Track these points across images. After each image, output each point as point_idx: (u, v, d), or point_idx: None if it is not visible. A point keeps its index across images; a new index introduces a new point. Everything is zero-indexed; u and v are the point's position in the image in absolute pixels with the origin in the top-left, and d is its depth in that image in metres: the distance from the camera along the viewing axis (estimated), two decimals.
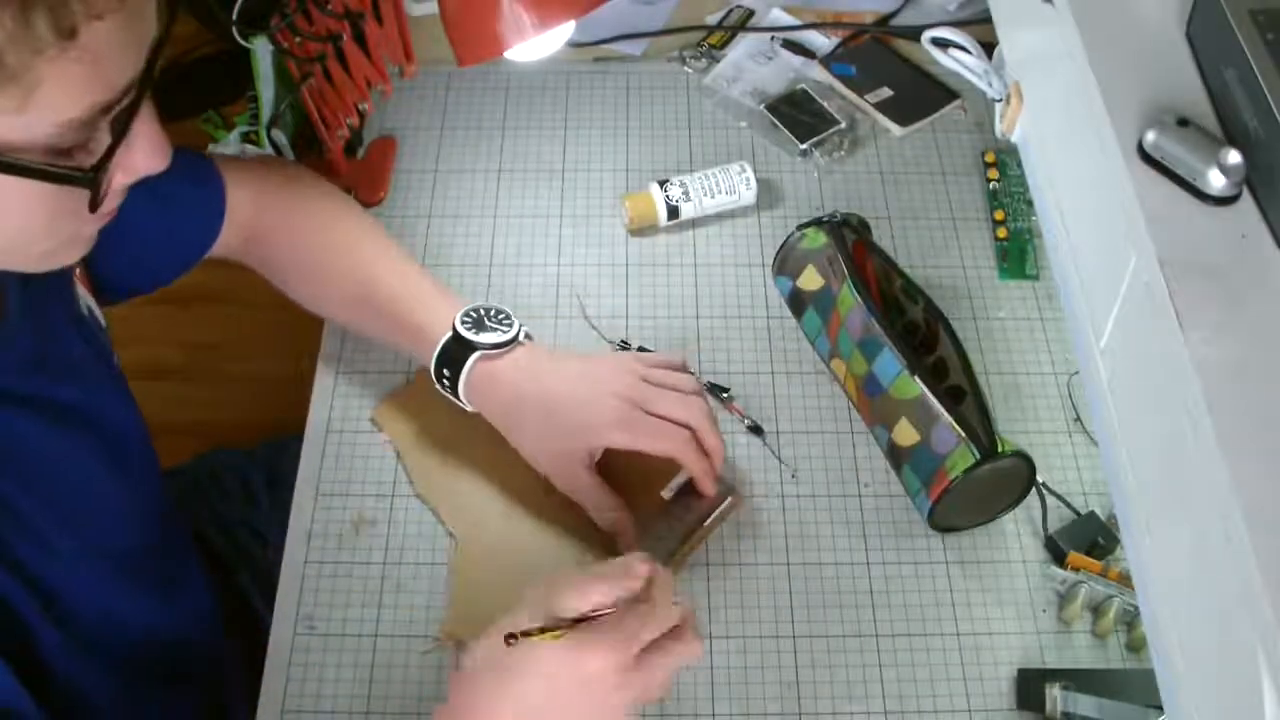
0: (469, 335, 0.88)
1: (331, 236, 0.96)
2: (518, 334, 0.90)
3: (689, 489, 0.91)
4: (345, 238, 0.96)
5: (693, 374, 0.93)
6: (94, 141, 0.60)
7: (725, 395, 0.98)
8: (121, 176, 0.63)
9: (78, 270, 0.82)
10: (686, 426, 0.87)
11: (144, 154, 0.63)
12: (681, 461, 0.88)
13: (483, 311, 0.90)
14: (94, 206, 0.62)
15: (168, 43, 0.61)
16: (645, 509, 0.90)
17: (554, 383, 0.89)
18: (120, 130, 0.60)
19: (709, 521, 0.91)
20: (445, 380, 0.90)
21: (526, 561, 0.89)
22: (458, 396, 0.90)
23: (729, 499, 0.91)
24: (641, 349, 1.01)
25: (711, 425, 0.89)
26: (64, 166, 0.59)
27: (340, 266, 0.94)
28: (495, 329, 0.89)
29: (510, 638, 0.67)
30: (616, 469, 0.89)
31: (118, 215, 0.68)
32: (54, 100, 0.55)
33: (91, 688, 0.79)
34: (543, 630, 0.68)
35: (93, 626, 0.80)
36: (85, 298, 0.83)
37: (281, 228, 0.96)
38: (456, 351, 0.88)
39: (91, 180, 0.60)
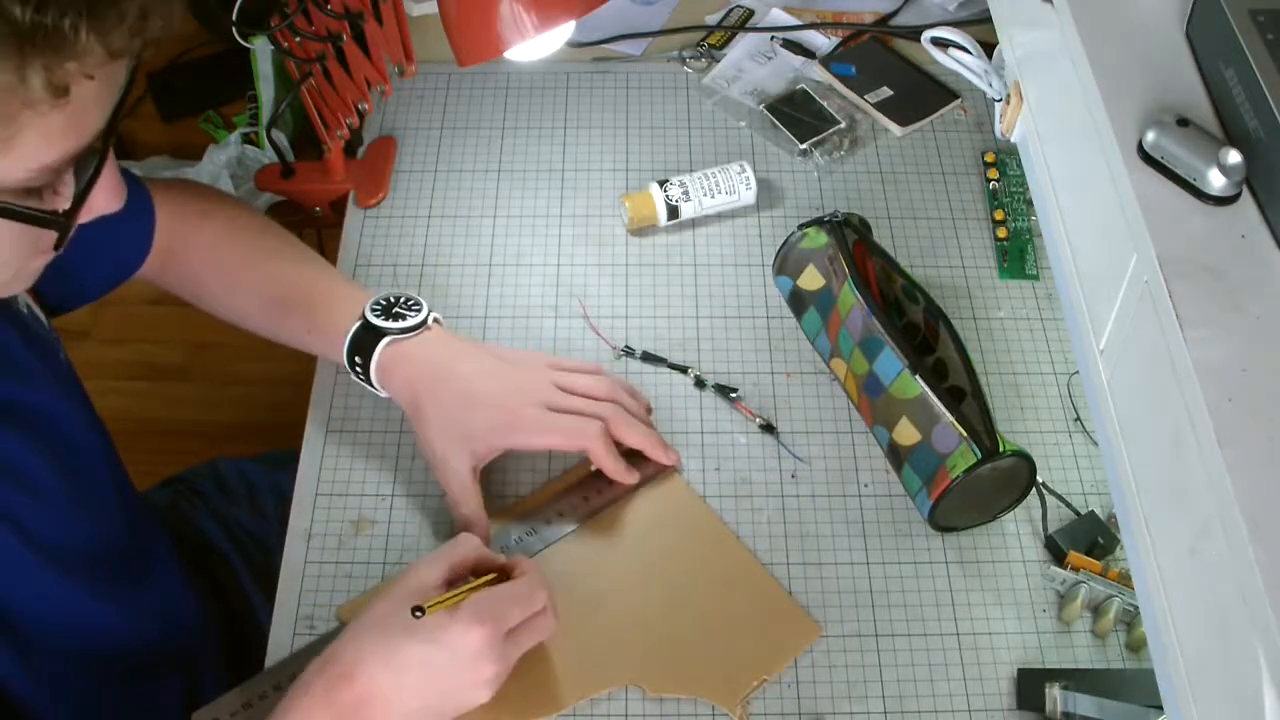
0: (378, 322, 0.90)
1: (242, 247, 0.98)
2: (426, 318, 0.92)
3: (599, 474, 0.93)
4: (255, 247, 0.98)
5: (607, 376, 0.95)
6: (60, 183, 0.63)
7: (734, 395, 0.98)
8: (82, 216, 0.66)
9: None
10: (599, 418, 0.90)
11: (104, 195, 0.66)
12: (593, 456, 0.90)
13: (393, 299, 0.92)
14: (59, 245, 0.66)
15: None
16: (538, 497, 0.93)
17: (470, 371, 0.91)
18: (91, 175, 0.64)
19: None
20: (357, 368, 0.92)
21: None
22: (370, 383, 0.92)
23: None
24: (646, 355, 1.01)
25: (625, 418, 0.91)
26: (35, 209, 0.62)
27: (253, 275, 0.97)
28: (405, 314, 0.91)
29: (417, 610, 0.74)
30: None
31: None
32: (34, 147, 0.59)
33: (29, 695, 0.79)
34: (440, 601, 0.76)
35: (37, 630, 0.79)
36: (22, 295, 0.83)
37: (194, 244, 0.97)
38: (366, 339, 0.90)
39: (64, 224, 0.64)
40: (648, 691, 0.83)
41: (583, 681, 0.84)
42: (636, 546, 0.91)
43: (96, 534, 0.86)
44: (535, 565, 0.82)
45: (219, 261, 0.97)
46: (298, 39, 0.98)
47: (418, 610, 0.74)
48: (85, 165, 0.63)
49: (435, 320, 0.93)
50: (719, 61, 1.23)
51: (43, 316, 0.85)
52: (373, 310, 0.91)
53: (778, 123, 1.17)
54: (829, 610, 0.88)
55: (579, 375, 0.93)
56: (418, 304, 0.93)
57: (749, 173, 1.09)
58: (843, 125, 1.17)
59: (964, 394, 0.90)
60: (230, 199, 1.04)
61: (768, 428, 0.97)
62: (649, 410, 0.96)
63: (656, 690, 0.83)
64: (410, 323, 0.91)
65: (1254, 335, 0.57)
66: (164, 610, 0.93)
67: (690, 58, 1.24)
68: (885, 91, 1.19)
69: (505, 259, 1.08)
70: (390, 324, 0.90)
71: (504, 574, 0.81)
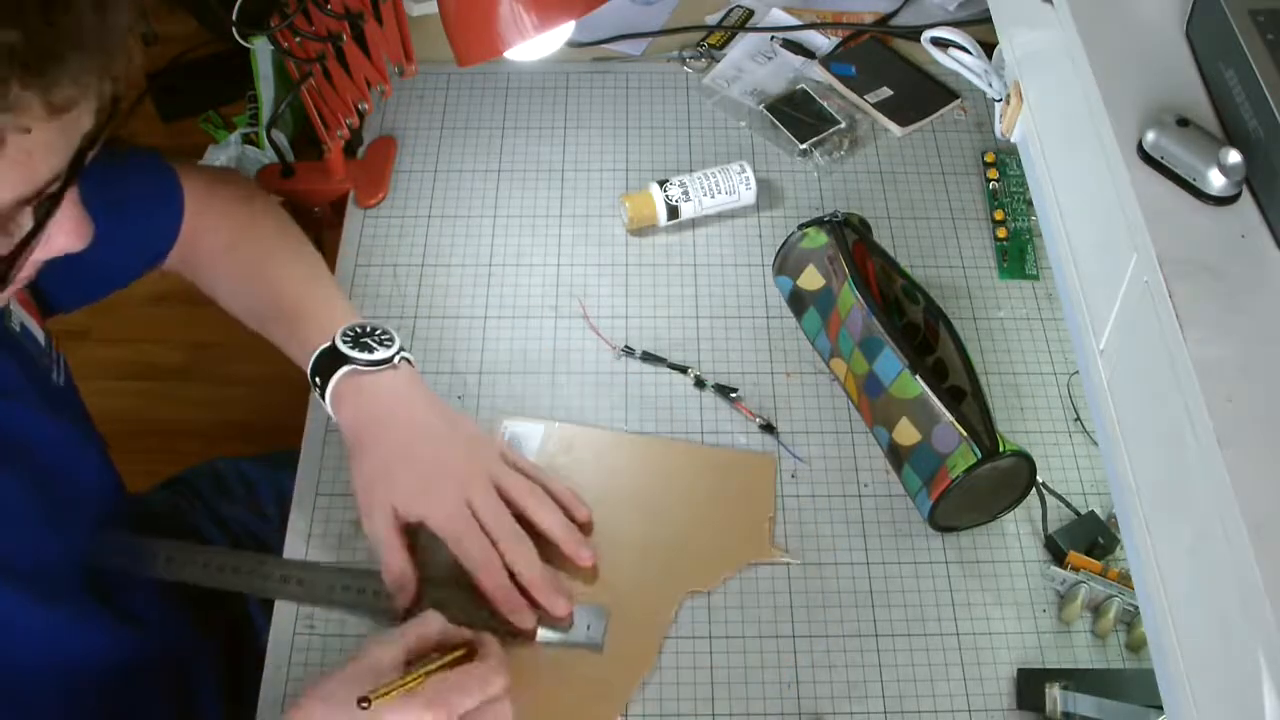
0: (344, 349, 0.88)
1: (251, 259, 0.97)
2: (393, 355, 0.89)
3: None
4: (265, 259, 0.98)
5: (550, 491, 0.89)
6: (14, 224, 0.62)
7: (734, 395, 0.98)
8: (40, 254, 0.65)
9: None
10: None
11: (64, 235, 0.65)
12: (482, 587, 0.84)
13: (368, 329, 0.91)
14: (3, 286, 0.64)
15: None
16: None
17: (416, 425, 0.88)
18: (42, 219, 0.62)
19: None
20: (317, 388, 0.90)
21: None
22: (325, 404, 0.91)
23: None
24: (646, 354, 1.01)
25: (526, 559, 0.84)
26: None
27: (257, 287, 0.96)
28: (374, 346, 0.89)
29: (362, 701, 0.70)
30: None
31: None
32: None
33: None
34: (389, 689, 0.71)
35: (11, 659, 0.79)
36: (18, 312, 0.82)
37: (208, 247, 0.97)
38: (329, 362, 0.89)
39: (4, 271, 0.63)
40: (704, 589, 0.89)
41: (658, 624, 0.87)
42: (603, 513, 0.91)
43: (81, 552, 0.84)
44: (499, 647, 0.78)
45: (229, 267, 0.98)
46: (298, 39, 0.98)
47: (363, 701, 0.70)
48: (43, 210, 0.62)
49: (405, 359, 0.91)
50: (719, 61, 1.23)
51: (38, 331, 0.84)
52: (343, 337, 0.89)
53: (778, 123, 1.17)
54: (829, 610, 0.88)
55: (520, 482, 0.88)
56: (390, 339, 0.90)
57: (749, 173, 1.09)
58: (843, 125, 1.17)
59: (964, 394, 0.90)
60: (257, 195, 1.03)
61: (768, 428, 0.97)
62: (588, 524, 0.91)
63: (709, 584, 0.89)
64: (374, 356, 0.88)
65: (1254, 335, 0.57)
66: (161, 615, 0.92)
67: (690, 58, 1.24)
68: (885, 91, 1.19)
69: (505, 259, 1.08)
70: (355, 353, 0.88)
71: (469, 654, 0.77)
